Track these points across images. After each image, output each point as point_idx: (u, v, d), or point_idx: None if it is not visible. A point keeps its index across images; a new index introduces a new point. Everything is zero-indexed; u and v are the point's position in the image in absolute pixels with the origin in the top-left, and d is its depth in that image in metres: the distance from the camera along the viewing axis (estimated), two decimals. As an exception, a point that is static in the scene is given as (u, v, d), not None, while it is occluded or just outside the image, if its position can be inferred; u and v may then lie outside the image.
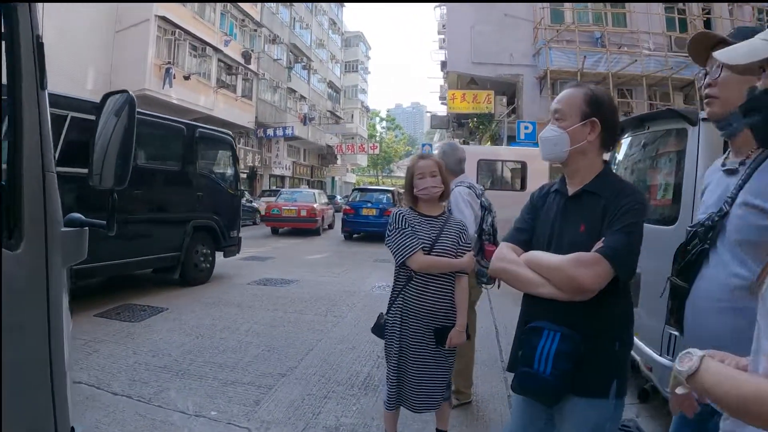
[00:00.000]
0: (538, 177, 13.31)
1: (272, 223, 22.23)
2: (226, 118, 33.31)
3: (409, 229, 3.50)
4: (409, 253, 3.44)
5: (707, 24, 22.73)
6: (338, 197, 44.76)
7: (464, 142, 32.29)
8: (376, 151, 59.94)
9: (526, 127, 17.67)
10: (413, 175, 3.57)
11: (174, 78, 26.93)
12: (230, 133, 11.94)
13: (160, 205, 9.55)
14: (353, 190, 22.76)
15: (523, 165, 13.70)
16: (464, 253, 3.58)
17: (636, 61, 21.08)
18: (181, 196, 9.95)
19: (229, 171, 11.66)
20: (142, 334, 6.76)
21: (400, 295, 3.58)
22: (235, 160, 11.68)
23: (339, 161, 60.31)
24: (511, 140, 19.45)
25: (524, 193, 12.69)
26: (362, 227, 20.15)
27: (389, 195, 20.95)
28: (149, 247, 9.14)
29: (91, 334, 6.63)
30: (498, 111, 21.77)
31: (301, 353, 6.24)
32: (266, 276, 11.49)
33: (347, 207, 20.63)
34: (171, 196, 9.79)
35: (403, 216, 3.56)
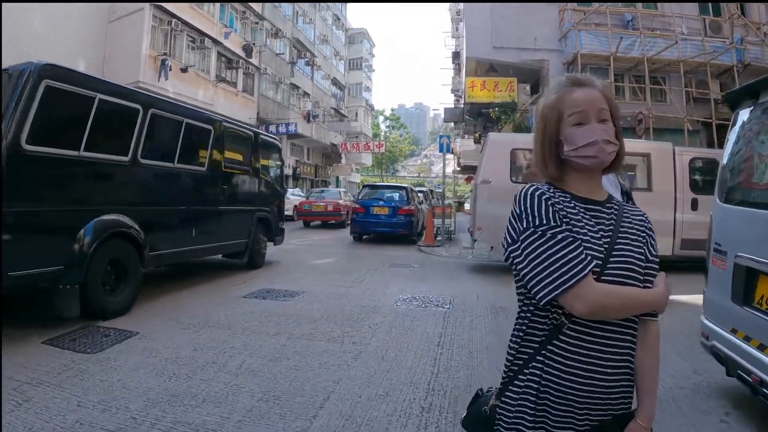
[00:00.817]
0: None
1: (304, 217, 25.30)
2: (225, 114, 31.58)
3: (564, 228, 1.65)
4: (574, 278, 1.57)
5: (741, 8, 20.92)
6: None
7: (478, 138, 30.40)
8: (382, 150, 57.94)
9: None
10: (561, 118, 1.74)
11: (170, 70, 25.17)
12: (277, 138, 13.89)
13: (238, 199, 10.88)
14: (363, 187, 20.93)
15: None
16: (653, 276, 1.72)
17: (675, 43, 19.07)
18: (250, 191, 11.45)
19: (277, 170, 13.21)
20: (97, 373, 4.91)
21: (535, 360, 1.68)
22: (282, 161, 13.66)
23: (344, 160, 58.43)
24: (539, 130, 16.69)
25: None
26: (373, 227, 18.32)
27: (403, 192, 19.16)
28: (230, 234, 10.58)
29: (30, 371, 4.87)
30: (521, 100, 20.06)
31: (314, 405, 4.37)
32: (266, 286, 9.67)
33: (357, 206, 18.81)
34: (244, 192, 11.21)
35: (545, 198, 1.71)
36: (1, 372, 4.50)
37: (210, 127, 9.59)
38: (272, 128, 37.52)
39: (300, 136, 43.36)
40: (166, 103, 8.73)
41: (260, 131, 12.62)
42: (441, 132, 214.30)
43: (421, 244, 17.40)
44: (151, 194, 8.10)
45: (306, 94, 46.25)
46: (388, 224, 17.89)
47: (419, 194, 21.38)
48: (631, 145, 13.03)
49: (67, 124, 6.43)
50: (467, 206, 55.42)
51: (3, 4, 16.73)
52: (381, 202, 18.37)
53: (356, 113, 63.58)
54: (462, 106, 26.84)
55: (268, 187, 12.30)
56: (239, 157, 10.82)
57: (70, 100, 6.30)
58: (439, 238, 17.97)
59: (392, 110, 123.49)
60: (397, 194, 19.10)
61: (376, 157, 77.63)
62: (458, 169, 68.18)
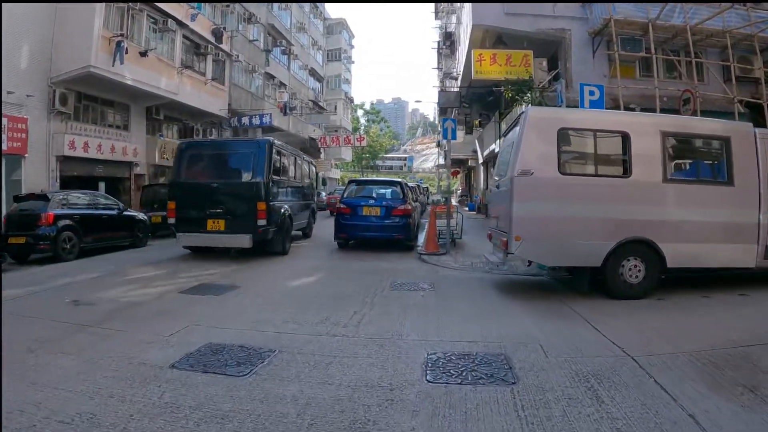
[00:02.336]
0: (647, 157, 8.72)
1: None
2: (193, 104, 28.21)
3: None
4: None
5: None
6: (323, 194, 39.05)
7: (471, 127, 26.98)
8: (364, 143, 54.44)
9: (591, 92, 12.48)
10: None
11: (126, 53, 21.45)
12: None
13: (304, 201, 17.44)
14: (349, 183, 17.43)
15: (625, 138, 8.63)
16: None
17: (723, 10, 15.69)
18: (307, 194, 17.77)
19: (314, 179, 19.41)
20: None
21: None
22: (317, 173, 20.69)
23: (323, 155, 54.74)
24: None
25: (626, 182, 8.60)
26: (363, 232, 14.86)
27: (397, 188, 15.71)
28: (301, 220, 17.09)
29: None
30: (537, 77, 16.55)
31: None
32: (214, 338, 6.16)
33: (342, 205, 15.26)
34: (305, 196, 17.39)
35: None
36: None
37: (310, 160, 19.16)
38: (245, 120, 33.89)
39: (276, 130, 39.59)
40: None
41: (311, 159, 20.35)
42: (419, 126, 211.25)
43: (423, 251, 14.00)
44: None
45: (282, 84, 42.57)
46: (380, 228, 14.56)
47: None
48: (704, 125, 9.80)
49: (278, 169, 14.31)
50: (454, 202, 52.54)
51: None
52: (371, 201, 14.94)
53: (335, 106, 59.75)
54: (458, 88, 23.36)
55: (312, 190, 18.48)
56: (307, 174, 18.40)
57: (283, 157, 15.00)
58: (441, 241, 14.69)
59: (372, 104, 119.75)
60: (390, 191, 15.72)
61: (356, 152, 74.17)
62: (443, 162, 65.46)
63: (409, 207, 14.85)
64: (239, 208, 12.72)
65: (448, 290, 9.44)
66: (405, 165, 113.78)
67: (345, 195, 15.79)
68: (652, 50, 15.13)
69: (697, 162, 9.43)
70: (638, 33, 15.99)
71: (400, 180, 16.63)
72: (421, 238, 16.66)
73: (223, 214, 12.65)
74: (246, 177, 13.07)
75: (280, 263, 12.72)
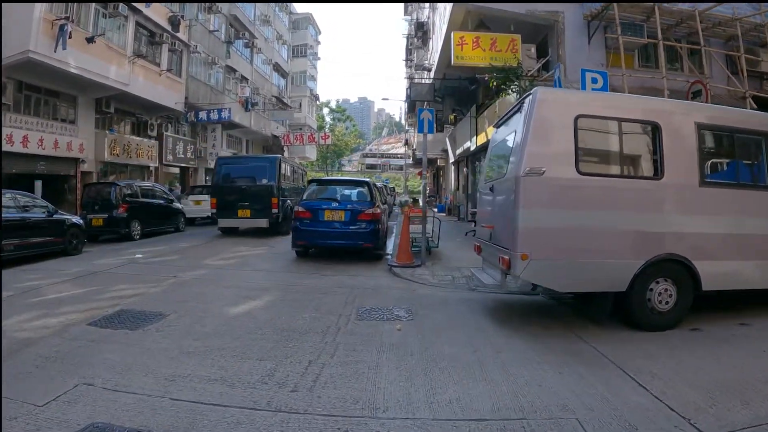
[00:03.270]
0: (681, 154, 6.97)
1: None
2: (146, 97, 25.64)
3: None
4: None
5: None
6: None
7: (443, 123, 24.91)
8: (329, 142, 52.19)
9: (594, 79, 10.52)
10: None
11: (70, 38, 19.05)
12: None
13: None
14: (309, 183, 15.37)
15: (655, 129, 6.75)
16: None
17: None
18: (301, 192, 16.33)
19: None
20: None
21: None
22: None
23: (286, 154, 52.13)
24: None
25: (657, 185, 6.80)
26: (324, 240, 12.67)
27: (363, 189, 13.53)
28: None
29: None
30: (525, 65, 14.43)
31: None
32: (103, 415, 4.09)
33: (300, 208, 12.97)
34: (300, 194, 16.76)
35: None
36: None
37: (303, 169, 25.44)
38: (203, 115, 31.46)
39: (237, 126, 37.33)
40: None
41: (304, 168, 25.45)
42: (385, 126, 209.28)
43: (394, 262, 11.97)
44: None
45: (244, 78, 40.04)
46: (344, 235, 12.45)
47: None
48: (749, 118, 8.00)
49: (284, 176, 20.39)
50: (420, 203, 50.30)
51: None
52: (334, 204, 12.79)
53: (300, 103, 57.14)
54: (431, 81, 21.20)
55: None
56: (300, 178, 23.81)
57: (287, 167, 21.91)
58: (415, 248, 12.80)
59: (337, 102, 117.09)
60: (356, 192, 13.56)
61: (321, 151, 71.86)
62: (410, 162, 63.23)
63: (378, 211, 12.80)
64: (259, 201, 18.29)
65: (431, 320, 7.37)
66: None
67: (305, 197, 13.57)
68: (659, 35, 13.25)
69: (737, 162, 7.57)
70: (639, 18, 14.15)
71: (366, 180, 14.50)
72: (391, 245, 14.65)
73: (249, 205, 18.33)
74: (263, 181, 18.58)
75: (228, 275, 10.58)
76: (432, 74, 22.06)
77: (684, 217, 6.79)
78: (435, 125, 32.36)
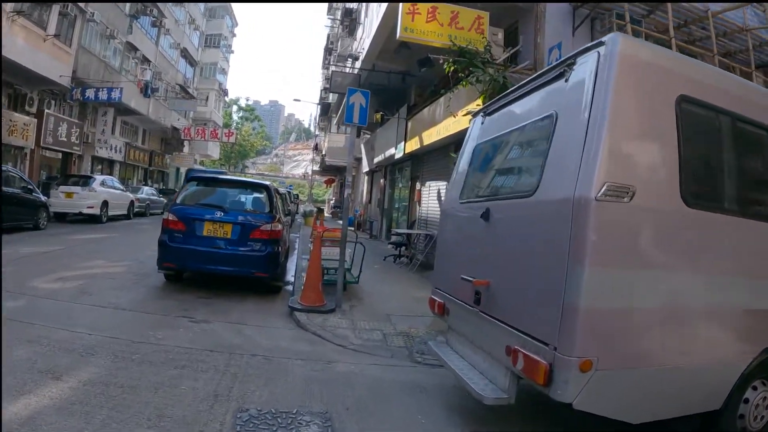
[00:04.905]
0: None
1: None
2: (23, 63, 20.09)
3: None
4: None
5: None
6: None
7: (380, 118, 20.91)
8: (232, 139, 47.15)
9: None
10: None
11: None
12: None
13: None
14: (188, 180, 10.86)
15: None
16: None
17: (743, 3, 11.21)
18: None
19: None
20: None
21: None
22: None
23: (186, 149, 47.11)
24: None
25: None
26: (201, 262, 8.56)
27: (262, 196, 9.53)
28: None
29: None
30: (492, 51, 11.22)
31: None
32: None
33: (170, 217, 8.80)
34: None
35: None
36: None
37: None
38: (90, 93, 26.50)
39: (133, 112, 32.16)
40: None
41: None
42: (294, 131, 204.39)
43: (298, 303, 8.14)
44: None
45: (146, 60, 34.73)
46: (231, 259, 8.50)
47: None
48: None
49: None
50: (328, 214, 46.37)
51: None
52: (219, 214, 8.71)
53: (207, 97, 51.93)
54: (358, 71, 17.46)
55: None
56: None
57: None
58: (327, 278, 9.26)
59: (247, 100, 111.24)
60: (252, 198, 9.68)
61: (224, 150, 66.70)
62: (317, 169, 58.90)
63: (279, 227, 9.02)
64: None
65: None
66: (274, 169, 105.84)
67: (179, 200, 9.33)
68: (670, 31, 10.24)
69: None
70: (639, 12, 11.09)
71: (266, 183, 10.27)
72: (293, 269, 11.07)
73: None
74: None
75: (51, 313, 6.40)
76: (359, 64, 18.44)
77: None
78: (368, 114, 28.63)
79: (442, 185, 14.64)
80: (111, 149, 31.82)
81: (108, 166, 33.32)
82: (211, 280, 9.39)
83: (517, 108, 4.54)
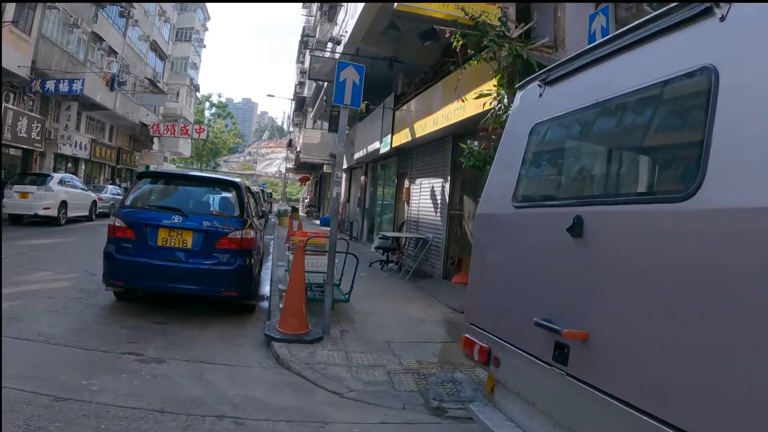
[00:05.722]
0: None
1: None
2: None
3: None
4: None
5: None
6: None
7: (365, 108, 19.08)
8: (203, 136, 45.25)
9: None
10: None
11: None
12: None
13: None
14: (140, 176, 9.13)
15: None
16: None
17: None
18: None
19: None
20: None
21: None
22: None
23: (156, 146, 44.96)
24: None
25: None
26: (155, 279, 6.78)
27: (231, 196, 7.67)
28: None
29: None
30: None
31: None
32: None
33: (118, 222, 6.98)
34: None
35: None
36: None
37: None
38: (50, 84, 24.49)
39: (99, 107, 30.09)
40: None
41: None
42: (267, 129, 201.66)
43: (276, 331, 6.45)
44: None
45: (113, 52, 32.67)
46: (193, 274, 6.77)
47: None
48: None
49: None
50: (302, 213, 44.41)
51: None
52: (178, 219, 6.99)
53: (177, 92, 49.79)
54: (339, 56, 15.71)
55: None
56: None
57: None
58: (312, 294, 7.60)
59: (219, 97, 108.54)
60: (219, 199, 7.85)
61: (195, 148, 64.51)
62: (291, 166, 56.69)
63: (251, 234, 7.30)
64: None
65: None
66: (247, 168, 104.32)
67: (128, 202, 7.50)
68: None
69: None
70: None
71: (236, 181, 8.36)
72: (268, 280, 9.51)
73: None
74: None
75: None
76: (341, 48, 16.70)
77: None
78: (330, 123, 27.10)
79: (436, 182, 13.06)
80: (75, 146, 29.83)
81: (73, 163, 31.34)
82: (170, 297, 7.67)
83: (610, 68, 2.97)
